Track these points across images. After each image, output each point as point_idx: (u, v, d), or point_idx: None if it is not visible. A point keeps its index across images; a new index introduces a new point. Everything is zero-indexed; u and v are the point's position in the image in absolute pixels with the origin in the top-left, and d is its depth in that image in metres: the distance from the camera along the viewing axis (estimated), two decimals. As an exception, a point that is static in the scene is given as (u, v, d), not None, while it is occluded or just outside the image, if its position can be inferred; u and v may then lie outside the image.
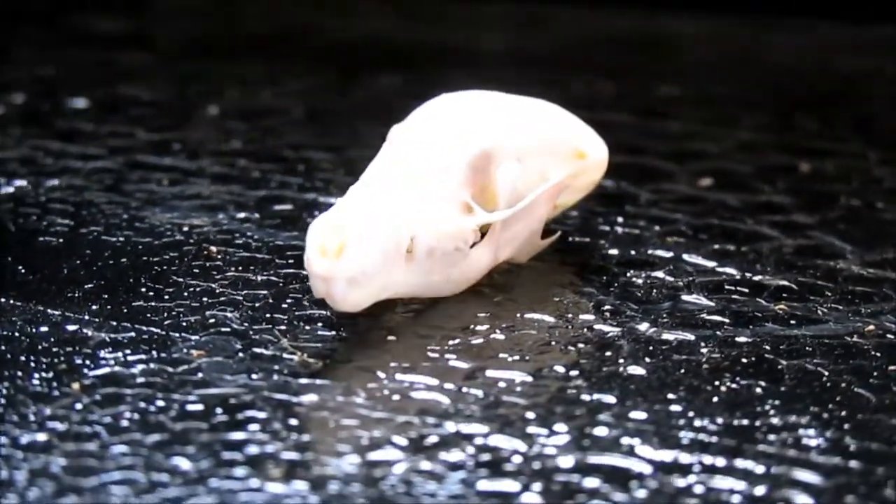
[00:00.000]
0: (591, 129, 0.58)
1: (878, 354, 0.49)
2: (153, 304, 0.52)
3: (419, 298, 0.52)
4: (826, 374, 0.48)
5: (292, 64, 0.85)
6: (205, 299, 0.52)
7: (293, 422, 0.44)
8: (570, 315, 0.52)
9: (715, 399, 0.46)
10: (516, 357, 0.49)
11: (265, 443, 0.43)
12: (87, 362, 0.48)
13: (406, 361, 0.48)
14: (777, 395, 0.47)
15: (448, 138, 0.54)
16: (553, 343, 0.50)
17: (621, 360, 0.49)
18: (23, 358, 0.48)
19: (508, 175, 0.54)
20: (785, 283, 0.55)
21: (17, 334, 0.49)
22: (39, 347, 0.48)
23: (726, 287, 0.55)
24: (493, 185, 0.54)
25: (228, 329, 0.50)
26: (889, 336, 0.51)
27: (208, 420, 0.44)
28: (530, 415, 0.45)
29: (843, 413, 0.46)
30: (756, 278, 0.56)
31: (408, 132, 0.54)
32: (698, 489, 0.42)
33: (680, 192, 0.65)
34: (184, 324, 0.50)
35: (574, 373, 0.48)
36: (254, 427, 0.44)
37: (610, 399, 0.46)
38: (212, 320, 0.51)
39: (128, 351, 0.48)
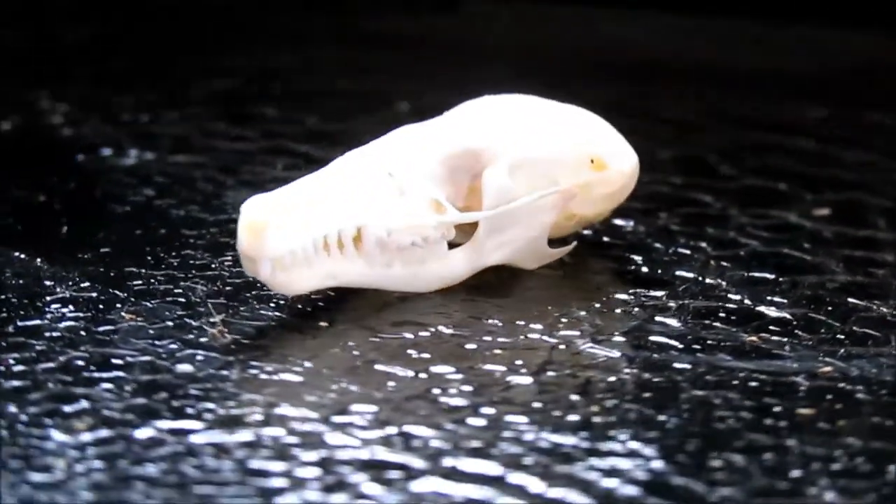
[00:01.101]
0: (622, 142, 0.56)
1: (801, 397, 0.46)
2: (136, 270, 0.55)
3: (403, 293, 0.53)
4: (722, 407, 0.46)
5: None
6: (181, 272, 0.55)
7: (144, 377, 0.47)
8: (519, 323, 0.51)
9: (570, 417, 0.45)
10: (414, 353, 0.49)
11: (99, 400, 0.45)
12: (37, 306, 0.52)
13: (304, 352, 0.49)
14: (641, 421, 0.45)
15: (434, 135, 0.54)
16: (478, 349, 0.49)
17: (516, 371, 0.48)
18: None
19: (495, 177, 0.53)
20: (787, 316, 0.52)
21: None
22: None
23: (718, 314, 0.52)
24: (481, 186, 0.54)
25: (182, 300, 0.52)
26: (839, 383, 0.47)
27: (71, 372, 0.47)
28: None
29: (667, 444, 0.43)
30: (760, 308, 0.53)
31: (409, 127, 0.55)
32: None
33: (779, 219, 0.62)
34: (145, 290, 0.53)
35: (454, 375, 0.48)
36: (105, 385, 0.46)
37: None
38: (178, 291, 0.53)
39: (71, 306, 0.52)
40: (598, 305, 0.53)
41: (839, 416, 0.45)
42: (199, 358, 0.48)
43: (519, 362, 0.48)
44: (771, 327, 0.51)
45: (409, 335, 0.50)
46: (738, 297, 0.53)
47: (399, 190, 0.52)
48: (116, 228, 0.60)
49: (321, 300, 0.52)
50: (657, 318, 0.51)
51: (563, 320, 0.51)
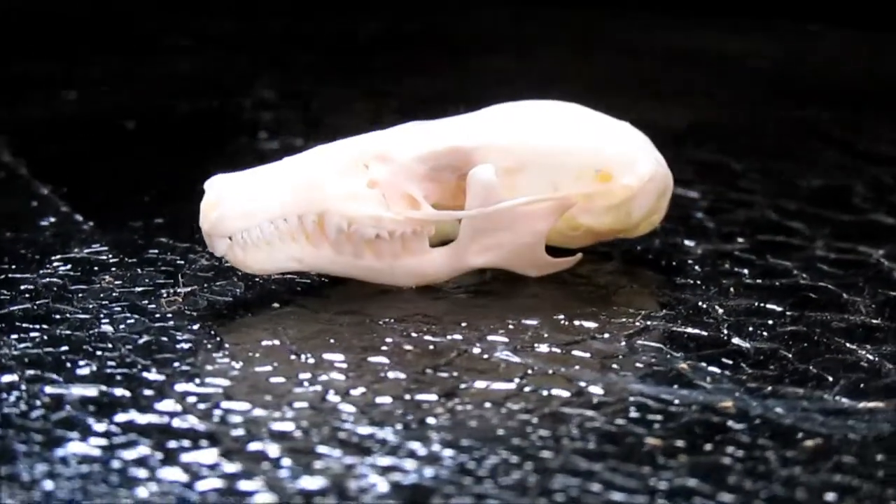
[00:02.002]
0: (644, 159, 0.54)
1: (668, 426, 0.43)
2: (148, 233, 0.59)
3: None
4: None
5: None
6: (183, 244, 0.58)
7: (63, 331, 0.49)
8: (480, 330, 0.50)
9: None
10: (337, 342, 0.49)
11: (40, 344, 0.48)
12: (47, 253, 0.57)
13: (229, 328, 0.50)
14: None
15: (425, 132, 0.53)
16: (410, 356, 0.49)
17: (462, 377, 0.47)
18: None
19: (480, 177, 0.52)
20: (747, 347, 0.48)
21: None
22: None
23: (683, 343, 0.49)
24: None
25: (163, 270, 0.55)
26: (723, 419, 0.44)
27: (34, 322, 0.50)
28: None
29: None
30: (736, 340, 0.49)
31: (414, 123, 0.54)
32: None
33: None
34: (146, 257, 0.57)
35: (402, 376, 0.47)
36: (63, 328, 0.50)
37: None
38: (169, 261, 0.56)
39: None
40: (560, 317, 0.51)
41: (676, 450, 0.42)
42: (130, 320, 0.51)
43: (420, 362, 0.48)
44: (724, 359, 0.48)
45: (344, 321, 0.50)
46: (724, 328, 0.50)
47: (371, 182, 0.52)
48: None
49: (302, 285, 0.54)
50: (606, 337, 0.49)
51: (501, 329, 0.50)
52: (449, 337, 0.49)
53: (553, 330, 0.50)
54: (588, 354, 0.48)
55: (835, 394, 0.45)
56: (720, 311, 0.51)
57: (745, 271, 0.56)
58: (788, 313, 0.51)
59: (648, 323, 0.51)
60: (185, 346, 0.49)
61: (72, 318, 0.50)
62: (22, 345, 0.48)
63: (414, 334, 0.50)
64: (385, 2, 1.10)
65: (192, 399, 0.45)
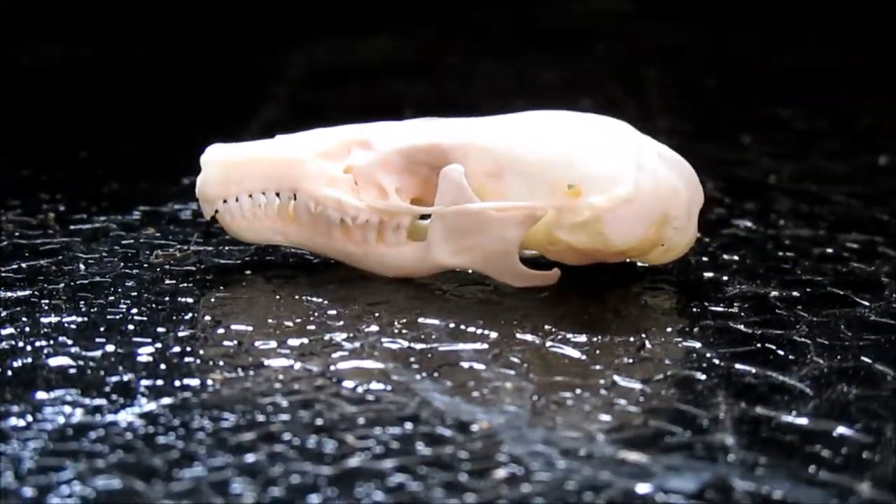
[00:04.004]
0: (631, 181, 0.52)
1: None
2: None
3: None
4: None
5: None
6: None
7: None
8: (429, 334, 0.50)
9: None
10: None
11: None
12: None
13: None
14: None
15: (421, 127, 0.55)
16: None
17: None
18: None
19: (449, 177, 0.53)
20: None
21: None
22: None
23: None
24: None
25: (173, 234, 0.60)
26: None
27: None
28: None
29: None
30: (709, 355, 0.49)
31: (428, 119, 0.56)
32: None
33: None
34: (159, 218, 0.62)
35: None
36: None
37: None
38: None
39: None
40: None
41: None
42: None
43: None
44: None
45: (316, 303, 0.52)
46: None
47: (347, 168, 0.54)
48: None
49: (296, 259, 0.57)
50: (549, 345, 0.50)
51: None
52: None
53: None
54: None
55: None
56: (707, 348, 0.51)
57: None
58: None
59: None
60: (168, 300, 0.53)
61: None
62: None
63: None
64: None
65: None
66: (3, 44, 1.00)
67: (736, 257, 0.59)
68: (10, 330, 0.50)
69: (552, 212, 0.53)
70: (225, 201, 0.54)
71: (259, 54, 1.03)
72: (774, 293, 0.55)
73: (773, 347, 0.50)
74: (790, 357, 0.49)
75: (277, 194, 0.54)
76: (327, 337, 0.50)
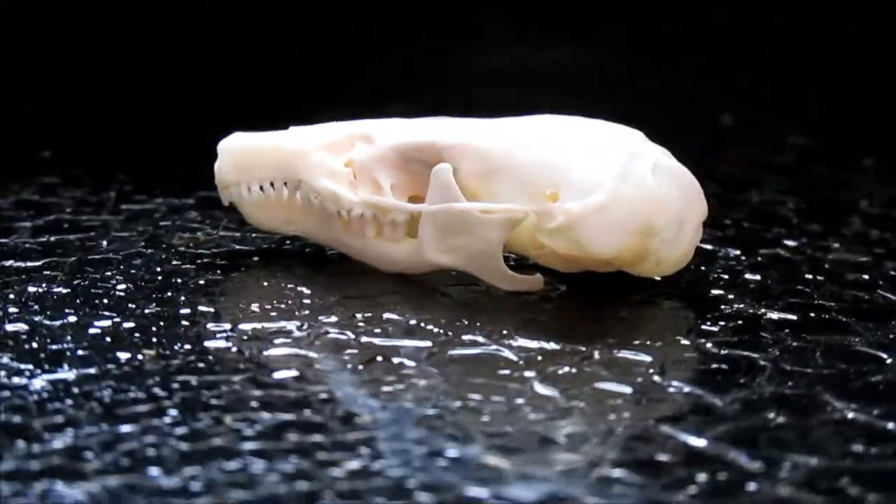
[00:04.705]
0: (609, 188, 0.50)
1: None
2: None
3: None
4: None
5: None
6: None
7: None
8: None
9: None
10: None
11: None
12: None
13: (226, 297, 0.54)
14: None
15: (425, 126, 0.55)
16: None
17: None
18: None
19: (439, 175, 0.53)
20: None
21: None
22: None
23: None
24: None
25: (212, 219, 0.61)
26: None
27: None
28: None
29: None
30: (651, 371, 0.47)
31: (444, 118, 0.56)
32: None
33: None
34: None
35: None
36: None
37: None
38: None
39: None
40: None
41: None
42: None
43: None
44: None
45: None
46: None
47: (348, 161, 0.55)
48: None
49: (312, 250, 0.57)
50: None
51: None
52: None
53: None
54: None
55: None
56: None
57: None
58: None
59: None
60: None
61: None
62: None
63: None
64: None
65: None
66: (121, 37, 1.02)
67: (758, 277, 0.57)
68: (-8, 296, 0.52)
69: (532, 216, 0.52)
70: (248, 189, 0.56)
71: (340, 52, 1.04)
72: (771, 315, 0.52)
73: (726, 368, 0.48)
74: (738, 380, 0.47)
75: (286, 184, 0.55)
76: (281, 324, 0.50)
